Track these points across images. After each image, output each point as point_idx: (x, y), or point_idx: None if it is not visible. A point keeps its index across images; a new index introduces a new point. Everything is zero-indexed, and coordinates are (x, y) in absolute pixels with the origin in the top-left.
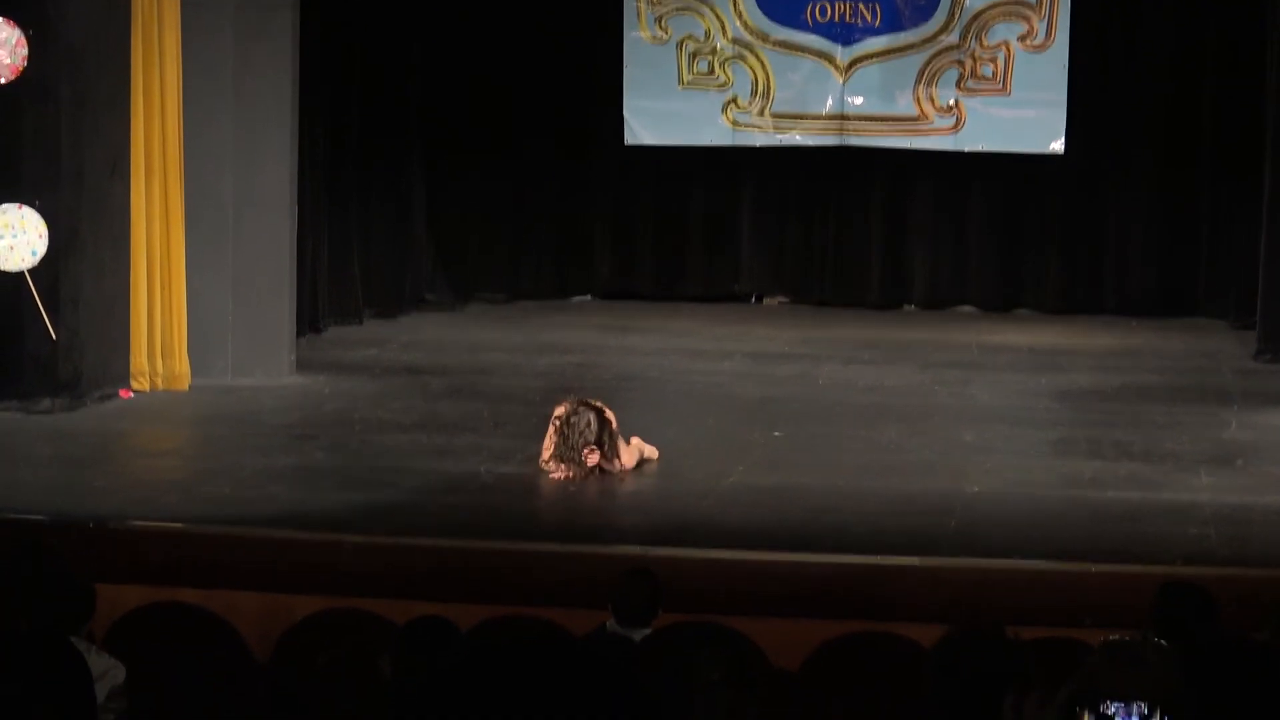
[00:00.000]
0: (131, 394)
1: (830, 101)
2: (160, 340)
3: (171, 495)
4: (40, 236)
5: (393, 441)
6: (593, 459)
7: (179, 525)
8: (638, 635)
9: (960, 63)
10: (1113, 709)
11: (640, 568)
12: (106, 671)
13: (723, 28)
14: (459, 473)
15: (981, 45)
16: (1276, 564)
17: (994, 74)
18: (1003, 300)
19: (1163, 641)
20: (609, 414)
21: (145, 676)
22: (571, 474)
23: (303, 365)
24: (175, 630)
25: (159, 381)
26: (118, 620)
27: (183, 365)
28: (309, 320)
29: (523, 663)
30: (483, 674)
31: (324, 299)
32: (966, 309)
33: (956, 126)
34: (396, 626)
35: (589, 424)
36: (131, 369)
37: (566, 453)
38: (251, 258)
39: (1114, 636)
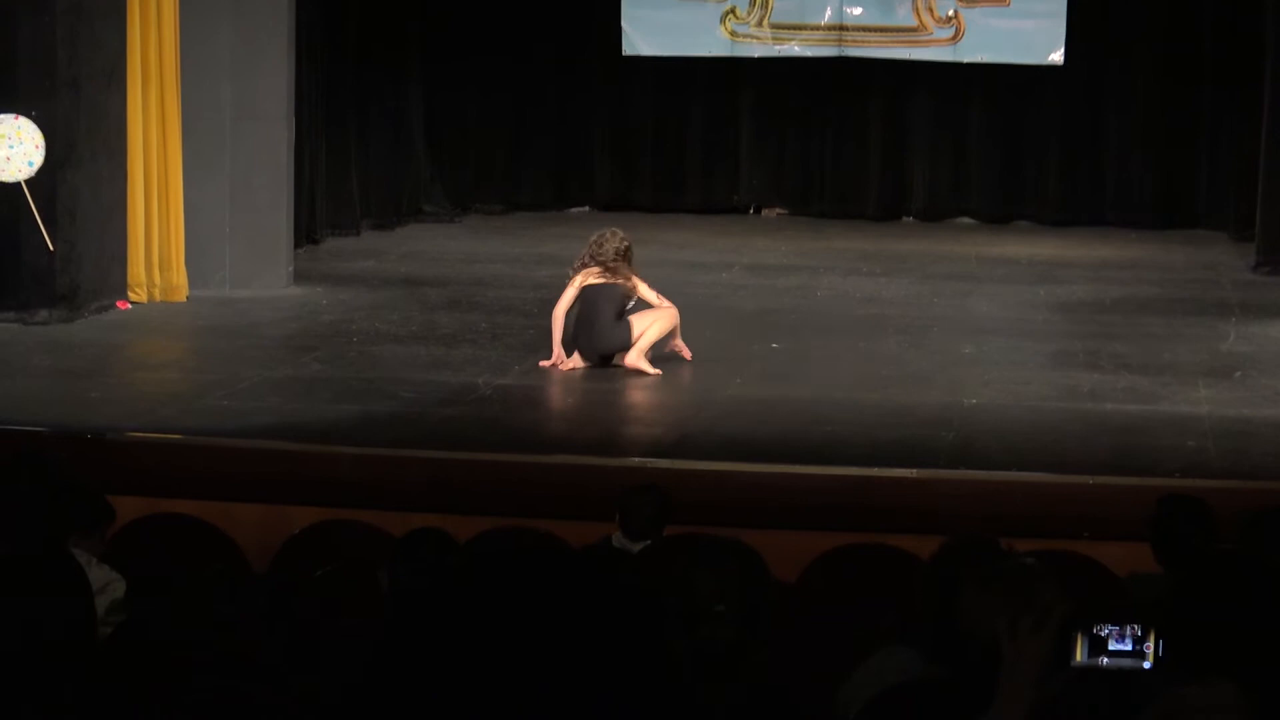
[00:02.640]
0: (129, 305)
1: (829, 12)
2: (158, 251)
3: (169, 406)
4: (37, 147)
5: (390, 353)
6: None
7: (176, 436)
8: (638, 548)
9: None
10: (1105, 631)
11: (648, 482)
12: (107, 584)
13: None
14: (457, 384)
15: None
16: (1274, 476)
17: None
18: (1002, 212)
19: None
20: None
21: (143, 587)
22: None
23: (300, 276)
24: (173, 541)
25: (156, 293)
26: (115, 531)
27: (180, 276)
28: (306, 231)
29: (520, 572)
30: (480, 584)
31: (321, 210)
32: (965, 220)
33: (956, 37)
34: (394, 538)
35: (620, 242)
36: (129, 280)
37: (598, 258)
38: (249, 169)
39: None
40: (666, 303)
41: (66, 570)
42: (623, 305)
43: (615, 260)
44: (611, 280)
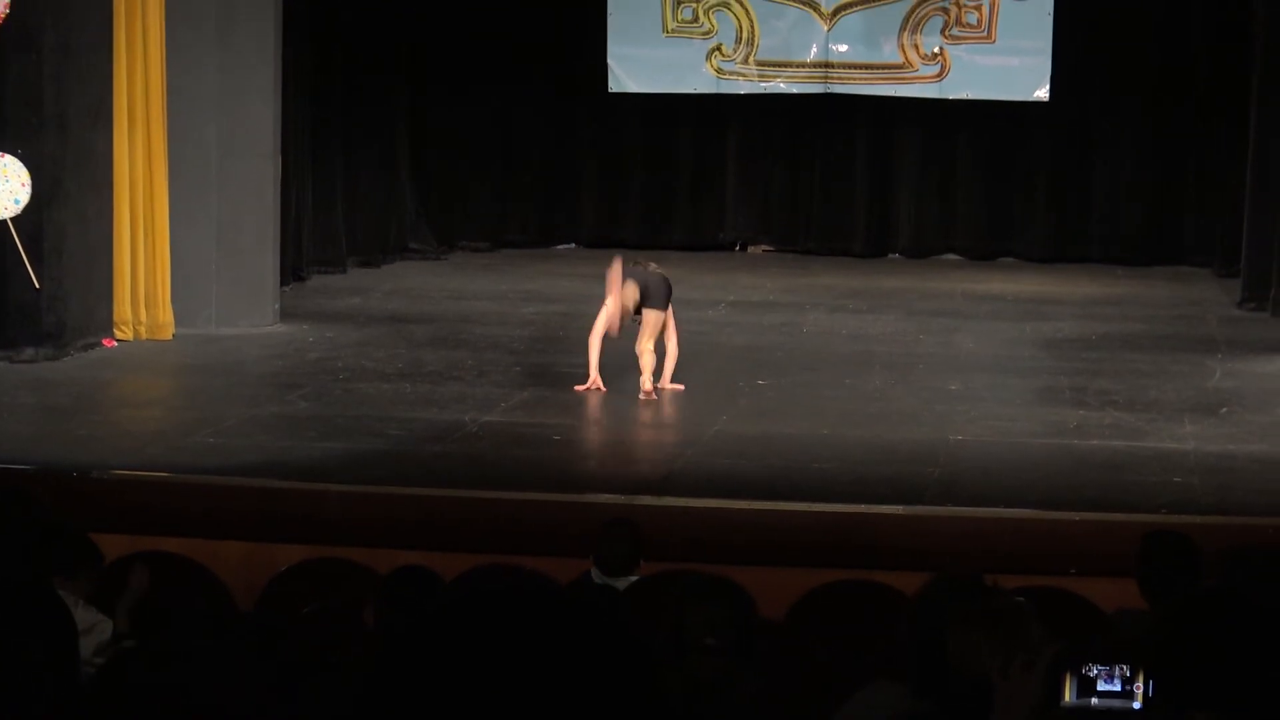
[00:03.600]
0: (115, 343)
1: (815, 49)
2: (144, 289)
3: (155, 445)
4: (23, 185)
5: (377, 390)
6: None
7: (162, 474)
8: (621, 584)
9: (945, 10)
10: (1094, 671)
11: (620, 517)
12: (94, 626)
13: None
14: (443, 421)
15: None
16: (1260, 512)
17: (979, 21)
18: (988, 249)
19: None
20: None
21: (129, 626)
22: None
23: (287, 314)
24: (159, 579)
25: (142, 331)
26: (101, 570)
27: (166, 314)
28: (293, 269)
29: (507, 610)
30: (466, 622)
31: (308, 247)
32: (951, 257)
33: (941, 74)
34: (380, 575)
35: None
36: (115, 318)
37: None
38: (235, 206)
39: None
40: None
41: (51, 608)
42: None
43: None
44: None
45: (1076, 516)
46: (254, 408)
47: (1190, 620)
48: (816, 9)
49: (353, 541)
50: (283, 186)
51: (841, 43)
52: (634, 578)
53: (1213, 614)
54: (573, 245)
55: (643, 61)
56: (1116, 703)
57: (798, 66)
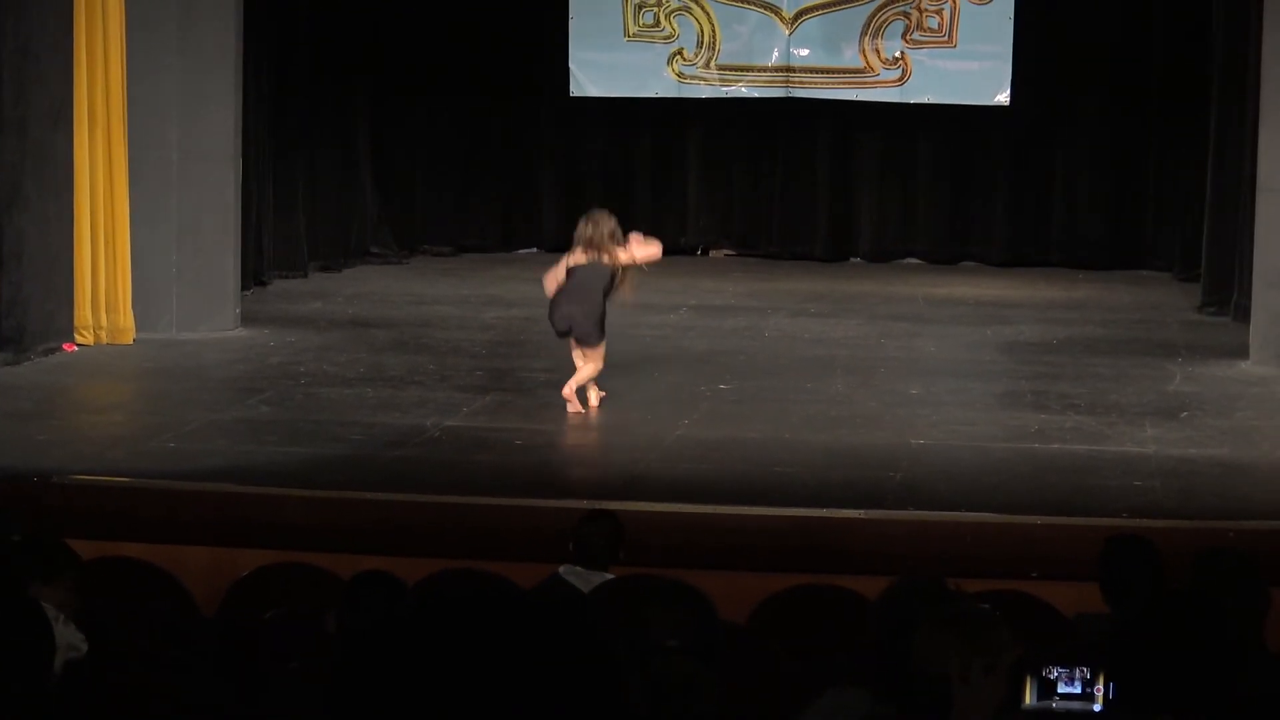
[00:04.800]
0: (76, 348)
1: (776, 53)
2: (104, 294)
3: (116, 450)
4: None
5: (338, 395)
6: (624, 255)
7: (124, 479)
8: (594, 580)
9: (906, 15)
10: (1055, 674)
11: (601, 510)
12: (71, 644)
13: None
14: (405, 426)
15: None
16: (1221, 516)
17: (940, 26)
18: (949, 253)
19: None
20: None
21: (91, 632)
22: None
23: (248, 318)
24: (121, 585)
25: (103, 335)
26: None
27: (127, 319)
28: (254, 273)
29: (469, 616)
30: (429, 627)
31: (269, 251)
32: (913, 261)
33: (902, 79)
34: (342, 581)
35: (611, 225)
36: (75, 323)
37: (598, 242)
38: (196, 210)
39: None
40: (651, 248)
41: (31, 622)
42: (609, 284)
43: (607, 242)
44: (597, 259)
45: (1038, 520)
46: (215, 412)
47: (1151, 623)
48: (778, 13)
49: (315, 546)
50: (243, 190)
51: (803, 47)
52: (608, 575)
53: (1173, 617)
54: (534, 250)
55: (604, 66)
56: (1077, 705)
57: (759, 71)
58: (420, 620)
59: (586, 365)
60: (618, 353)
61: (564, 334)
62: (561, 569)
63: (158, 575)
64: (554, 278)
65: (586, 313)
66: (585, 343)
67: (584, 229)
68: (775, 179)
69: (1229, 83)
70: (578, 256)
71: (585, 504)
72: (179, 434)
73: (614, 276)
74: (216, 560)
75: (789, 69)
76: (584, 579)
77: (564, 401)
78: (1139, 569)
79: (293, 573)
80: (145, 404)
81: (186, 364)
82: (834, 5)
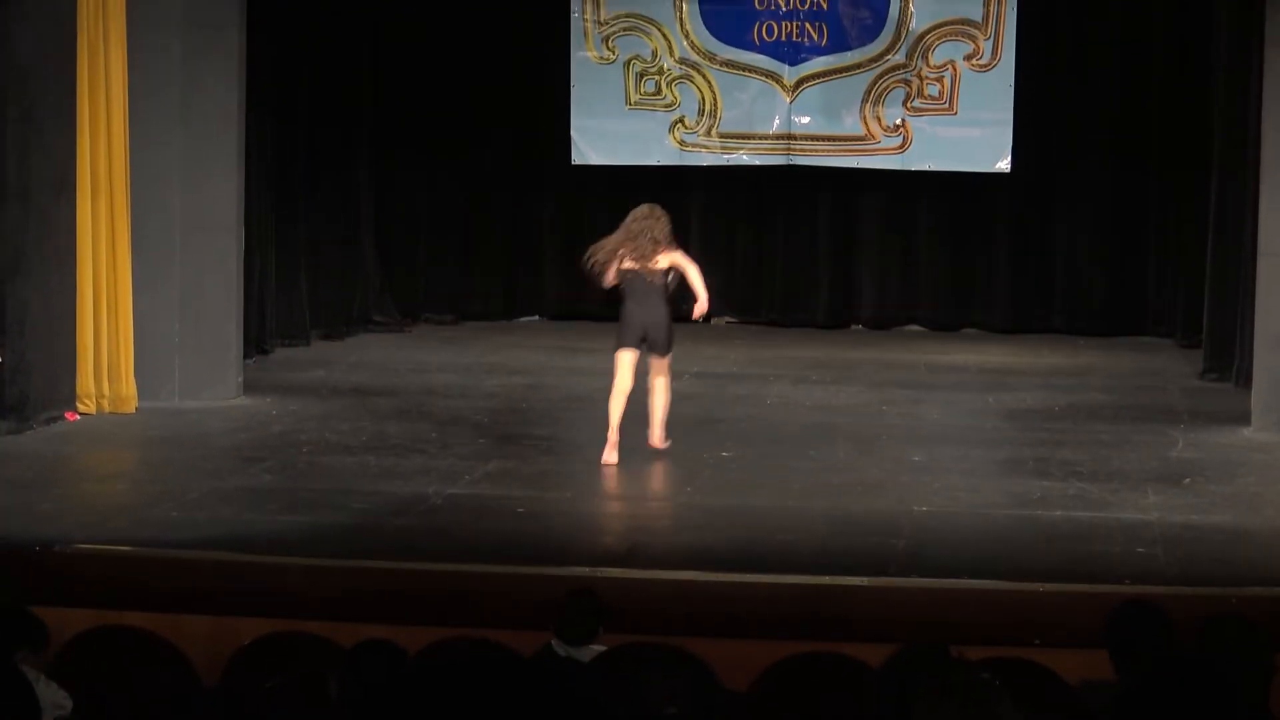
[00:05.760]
0: (78, 416)
1: (777, 121)
2: (107, 362)
3: (118, 518)
4: None
5: (340, 463)
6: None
7: (126, 548)
8: (585, 655)
9: (907, 82)
10: None
11: (582, 587)
12: (54, 702)
13: (670, 48)
14: (407, 494)
15: (928, 64)
16: (1224, 583)
17: (940, 93)
18: (951, 319)
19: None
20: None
21: (92, 701)
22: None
23: (250, 387)
24: (122, 654)
25: (105, 404)
26: (64, 645)
27: (129, 387)
28: (256, 342)
29: (470, 684)
30: (430, 696)
31: (271, 320)
32: (914, 328)
33: (903, 146)
34: (344, 649)
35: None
36: (78, 391)
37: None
38: (198, 278)
39: None
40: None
41: (12, 684)
42: (666, 288)
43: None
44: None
45: (1041, 587)
46: (217, 481)
47: (1157, 691)
48: (779, 81)
49: (316, 615)
50: (245, 259)
51: (804, 115)
52: (597, 648)
53: (1179, 685)
54: (536, 317)
55: (606, 134)
56: None
57: (760, 138)
58: (421, 689)
59: (661, 395)
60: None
61: (636, 343)
62: (553, 641)
63: (159, 644)
64: (613, 269)
65: (661, 321)
66: (662, 351)
67: (641, 226)
68: (777, 246)
69: (1229, 148)
70: (623, 258)
71: (587, 571)
72: (181, 502)
73: (666, 281)
74: (218, 629)
75: (790, 136)
76: (575, 653)
77: (603, 461)
78: (1148, 635)
79: (294, 641)
80: (147, 472)
81: (189, 432)
82: (835, 73)
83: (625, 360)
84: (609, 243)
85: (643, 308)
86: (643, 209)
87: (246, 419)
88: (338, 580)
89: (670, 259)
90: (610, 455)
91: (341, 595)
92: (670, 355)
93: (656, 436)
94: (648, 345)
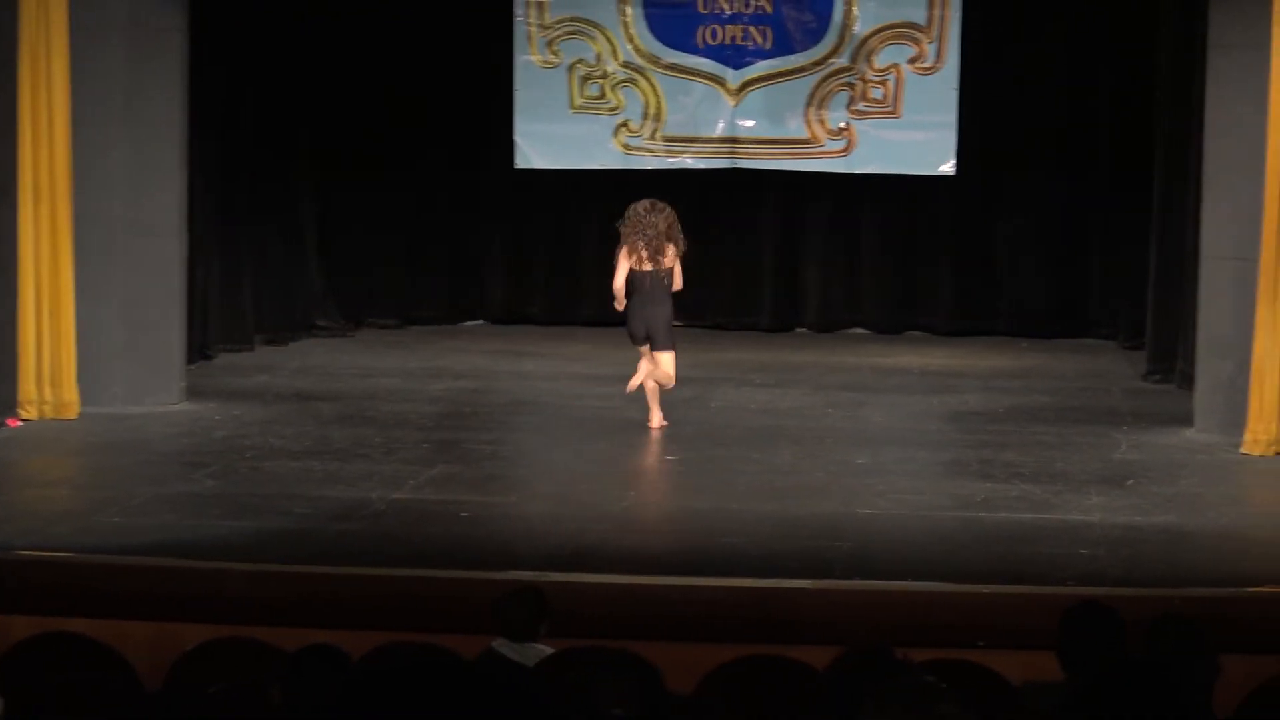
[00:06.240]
0: (20, 423)
1: (721, 124)
2: (49, 368)
3: (61, 525)
4: None
5: (284, 468)
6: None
7: (68, 554)
8: (530, 656)
9: (851, 85)
10: None
11: (522, 586)
12: None
13: (614, 51)
14: (350, 499)
15: (871, 68)
16: (1167, 583)
17: (884, 96)
18: (895, 322)
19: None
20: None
21: (33, 707)
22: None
23: (193, 392)
24: (64, 660)
25: (48, 410)
26: (5, 651)
27: (72, 393)
28: (199, 346)
29: (414, 689)
30: (374, 701)
31: (214, 325)
32: (859, 331)
33: (847, 149)
34: (287, 655)
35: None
36: (19, 397)
37: (653, 240)
38: (141, 283)
39: None
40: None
41: None
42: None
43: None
44: (658, 261)
45: (984, 589)
46: (160, 486)
47: (1102, 692)
48: (723, 85)
49: (259, 621)
50: (189, 264)
51: (748, 118)
52: (542, 648)
53: (1124, 686)
54: (481, 322)
55: (550, 138)
56: None
57: (704, 142)
58: (365, 694)
59: (659, 369)
60: (565, 424)
61: (643, 340)
62: (494, 643)
63: (102, 650)
64: (622, 279)
65: (664, 316)
66: (663, 346)
67: (647, 220)
68: (720, 249)
69: (1172, 151)
70: (639, 259)
71: (531, 575)
72: (124, 508)
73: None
74: (160, 635)
75: (734, 140)
76: (517, 651)
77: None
78: (1102, 638)
79: (237, 647)
80: (90, 479)
81: (131, 438)
82: (779, 76)
83: (642, 351)
84: (621, 262)
85: (647, 306)
86: (643, 205)
87: (189, 424)
88: (281, 586)
89: (674, 254)
90: (632, 382)
91: (285, 601)
92: (670, 350)
93: (655, 419)
94: (652, 342)
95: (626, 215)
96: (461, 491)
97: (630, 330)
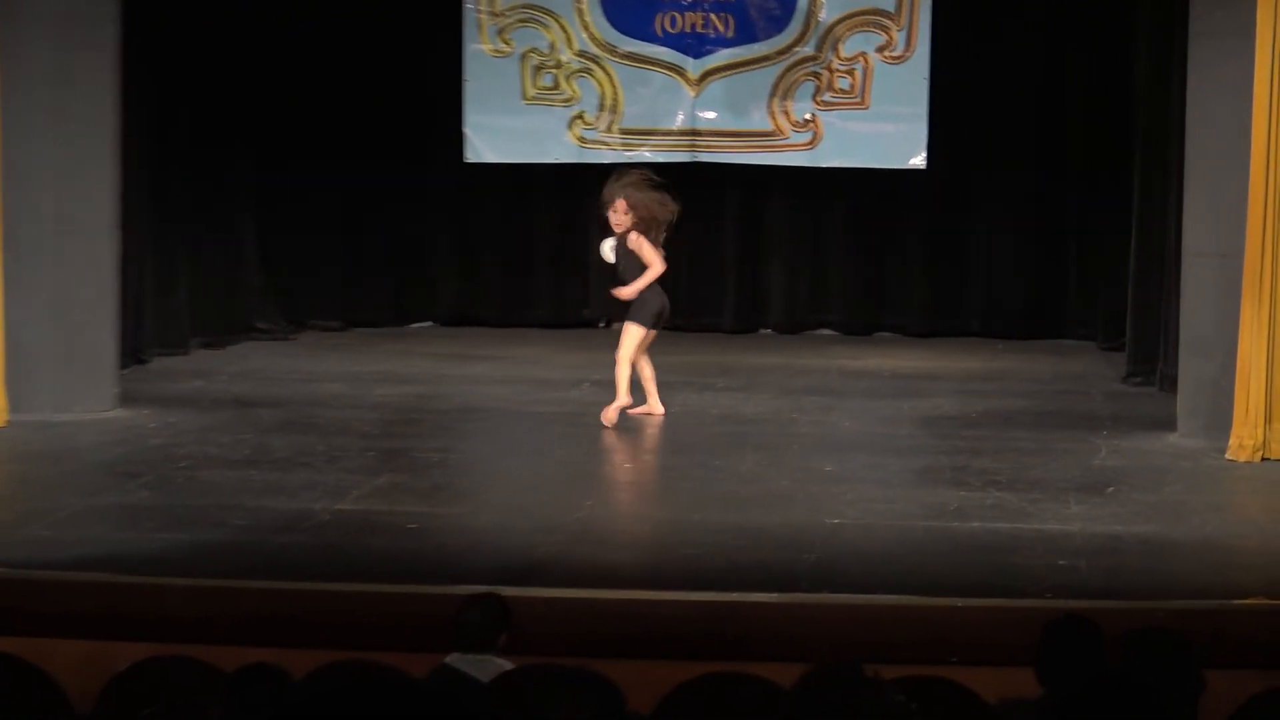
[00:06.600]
0: None
1: (681, 116)
2: None
3: None
4: None
5: (221, 478)
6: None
7: None
8: (487, 671)
9: (816, 75)
10: None
11: (482, 593)
12: None
13: (568, 40)
14: (292, 510)
15: (838, 57)
16: (1149, 595)
17: (851, 86)
18: (863, 323)
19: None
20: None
21: None
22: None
23: (126, 398)
24: None
25: None
26: None
27: None
28: (133, 350)
29: (360, 709)
30: None
31: (149, 328)
32: (825, 332)
33: (813, 142)
34: (225, 674)
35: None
36: None
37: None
38: (72, 284)
39: None
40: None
41: None
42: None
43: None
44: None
45: (959, 603)
46: (92, 497)
47: (1084, 708)
48: (683, 75)
49: (197, 638)
50: (122, 264)
51: (709, 109)
52: (500, 662)
53: (1104, 702)
54: (429, 324)
55: (501, 130)
56: None
57: (664, 134)
58: (308, 715)
59: (646, 368)
60: (517, 430)
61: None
62: (448, 658)
63: (29, 671)
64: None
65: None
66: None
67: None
68: (680, 247)
69: (1152, 144)
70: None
71: (483, 590)
72: (53, 521)
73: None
74: (92, 654)
75: (695, 132)
76: (474, 666)
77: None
78: (1081, 652)
79: (173, 666)
80: (16, 489)
81: (61, 446)
82: (741, 66)
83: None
84: (654, 251)
85: (658, 290)
86: (632, 176)
87: (122, 432)
88: (219, 602)
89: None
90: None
91: (223, 617)
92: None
93: (658, 406)
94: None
95: (632, 204)
96: (409, 502)
97: (657, 312)
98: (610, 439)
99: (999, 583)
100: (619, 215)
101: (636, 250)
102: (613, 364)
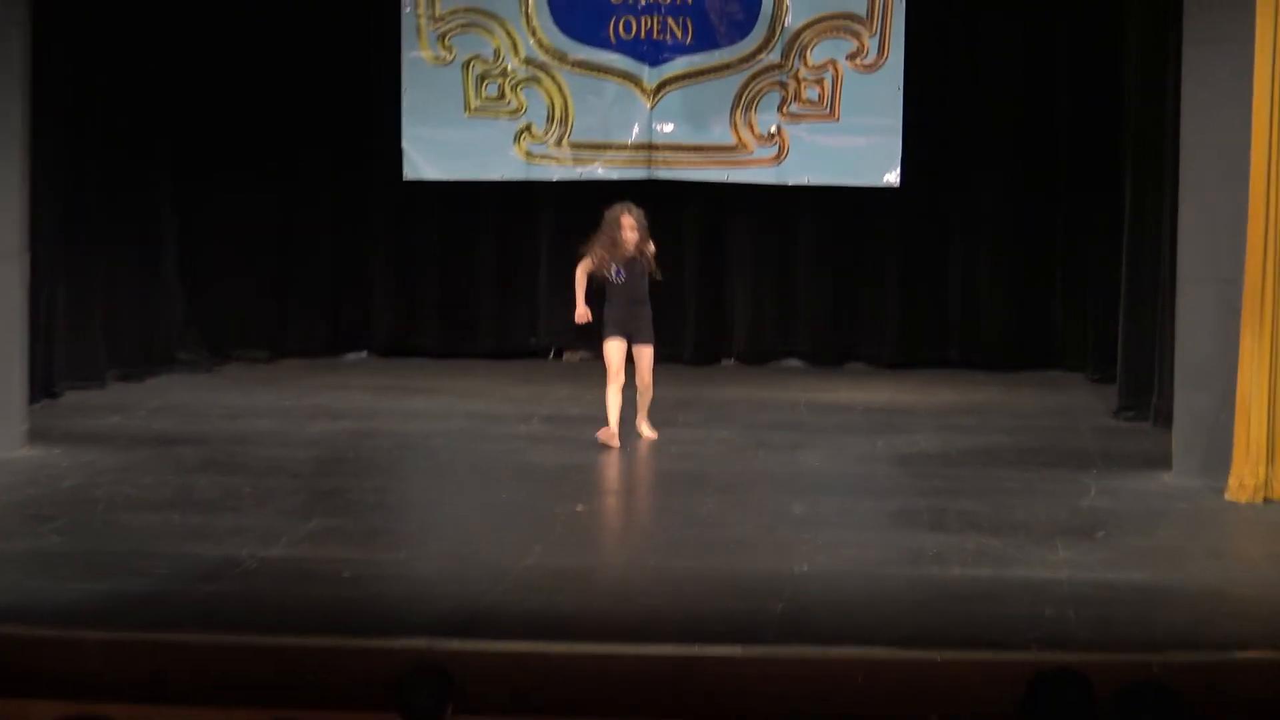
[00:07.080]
0: None
1: (636, 129)
2: None
3: None
4: None
5: (141, 522)
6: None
7: None
8: None
9: (782, 85)
10: None
11: (429, 664)
12: None
13: (515, 47)
14: (218, 557)
15: (806, 65)
16: (1143, 648)
17: (820, 97)
18: (834, 353)
19: None
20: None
21: None
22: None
23: (36, 436)
24: None
25: None
26: None
27: None
28: (43, 384)
29: None
30: None
31: (61, 359)
32: (793, 363)
33: (779, 157)
34: None
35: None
36: None
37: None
38: None
39: None
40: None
41: None
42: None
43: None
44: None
45: (937, 656)
46: (0, 543)
47: None
48: (638, 84)
49: (115, 696)
50: (32, 291)
51: (667, 122)
52: None
53: None
54: (364, 354)
55: (442, 145)
56: None
57: (618, 149)
58: None
59: (647, 390)
60: (459, 469)
61: (625, 337)
62: None
63: None
64: (585, 276)
65: (648, 312)
66: (647, 340)
67: (624, 221)
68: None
69: (1144, 159)
70: (625, 250)
71: (423, 643)
72: None
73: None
74: (4, 713)
75: (651, 146)
76: None
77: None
78: (1070, 708)
79: None
80: None
81: None
82: (701, 75)
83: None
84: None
85: (632, 302)
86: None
87: (33, 472)
88: (140, 656)
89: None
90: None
91: (143, 673)
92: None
93: (648, 429)
94: (636, 340)
95: (635, 217)
96: (343, 548)
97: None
98: (561, 481)
99: (981, 634)
100: (637, 232)
101: (647, 256)
102: (560, 400)
